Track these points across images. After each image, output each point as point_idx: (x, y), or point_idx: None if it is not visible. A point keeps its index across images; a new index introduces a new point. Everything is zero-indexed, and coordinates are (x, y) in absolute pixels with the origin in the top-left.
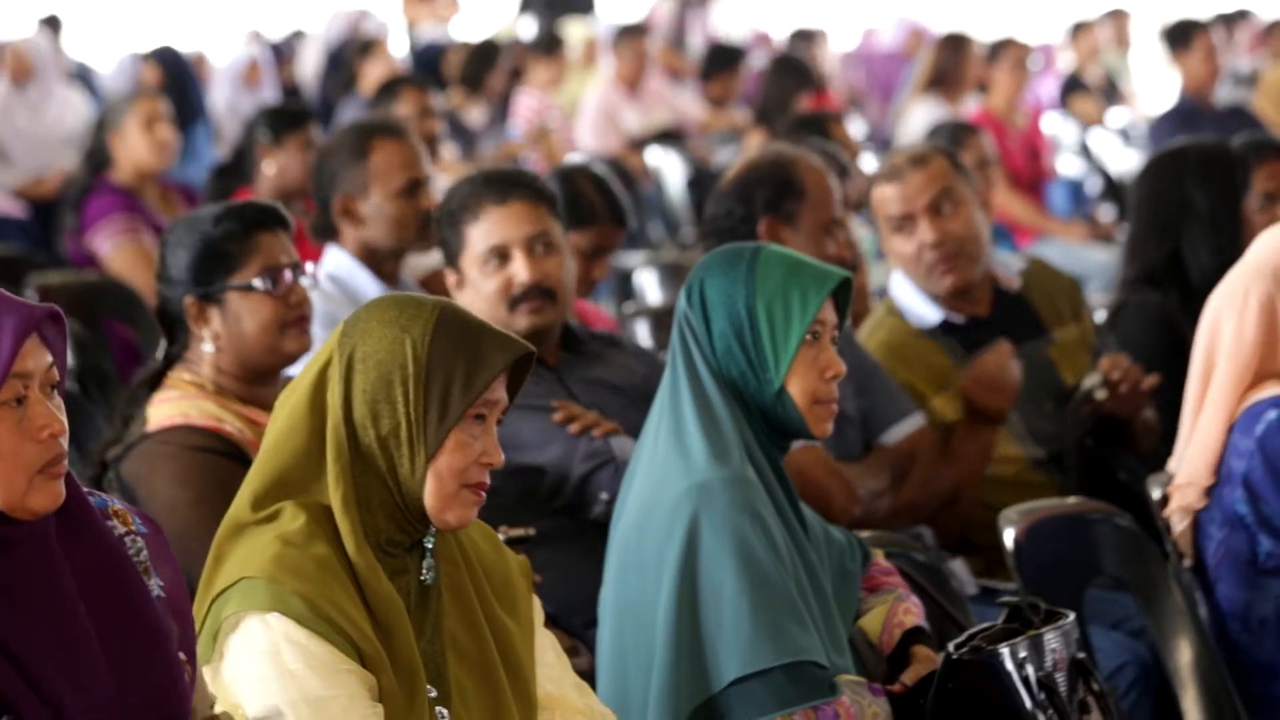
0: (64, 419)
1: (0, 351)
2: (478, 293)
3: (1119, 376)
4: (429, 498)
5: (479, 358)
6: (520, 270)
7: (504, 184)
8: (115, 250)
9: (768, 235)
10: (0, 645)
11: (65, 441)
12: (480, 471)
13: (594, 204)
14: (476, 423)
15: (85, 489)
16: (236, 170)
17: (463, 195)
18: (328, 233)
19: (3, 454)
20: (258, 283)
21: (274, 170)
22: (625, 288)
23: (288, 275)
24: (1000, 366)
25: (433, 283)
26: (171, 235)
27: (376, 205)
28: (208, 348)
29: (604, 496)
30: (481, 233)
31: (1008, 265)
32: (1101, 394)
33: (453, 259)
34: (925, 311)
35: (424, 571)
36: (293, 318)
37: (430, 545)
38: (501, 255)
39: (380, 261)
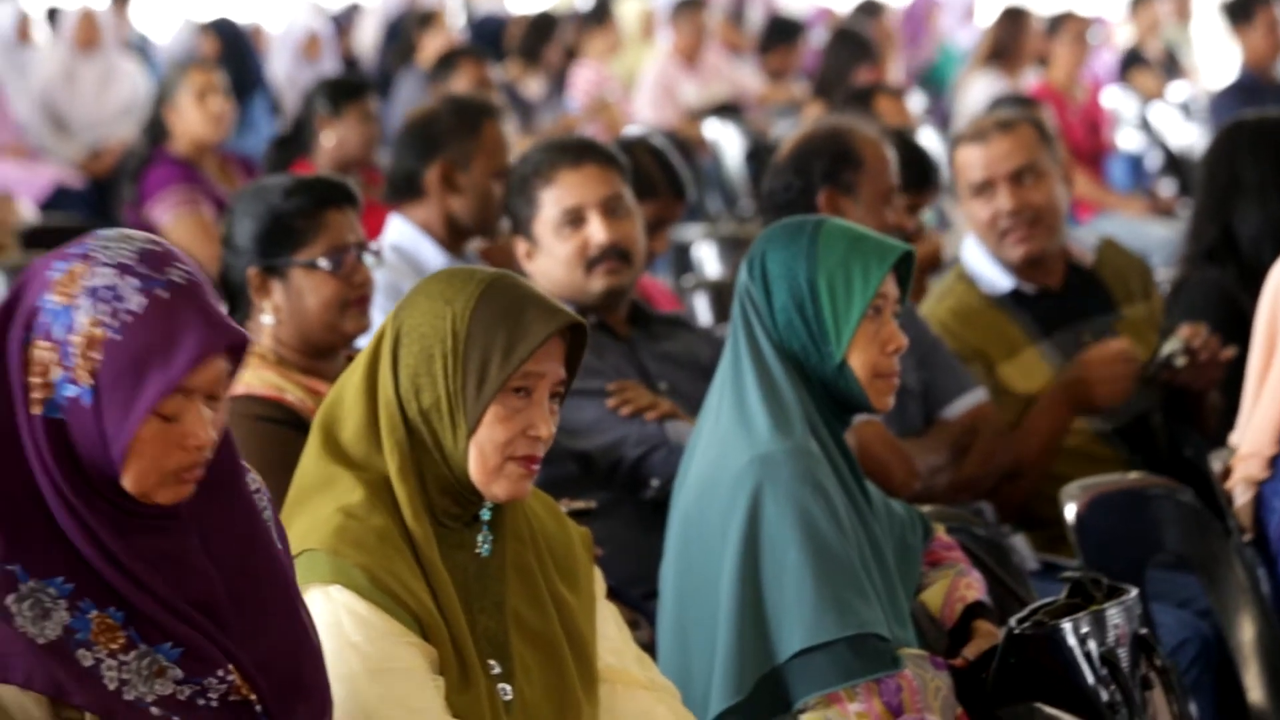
0: (213, 433)
1: (172, 367)
2: (551, 257)
3: (1199, 344)
4: (473, 471)
5: (520, 329)
6: (597, 232)
7: (576, 149)
8: (174, 222)
9: (827, 206)
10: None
11: (209, 451)
12: (528, 444)
13: (653, 177)
14: (520, 395)
15: None
16: (295, 141)
17: (535, 160)
18: (405, 193)
19: (144, 455)
20: (323, 262)
21: (333, 142)
22: (683, 261)
23: (353, 255)
24: (1123, 358)
25: (492, 255)
26: (240, 203)
27: (475, 180)
28: (267, 320)
29: (655, 483)
30: (555, 196)
31: (1082, 241)
32: (1182, 360)
33: (524, 226)
34: (997, 279)
35: (479, 544)
36: (354, 298)
37: (486, 518)
38: (576, 218)
39: (453, 235)
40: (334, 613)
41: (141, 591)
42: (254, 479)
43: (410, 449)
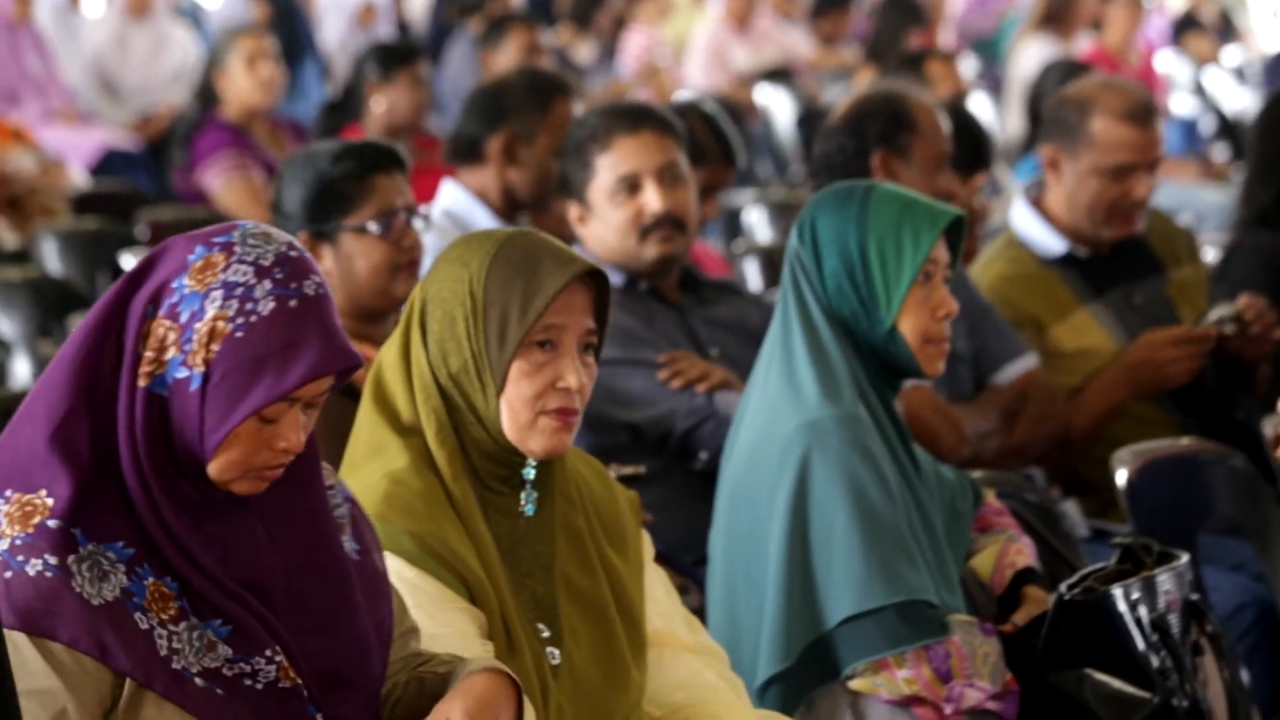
0: (303, 438)
1: (286, 378)
2: (605, 223)
3: (1253, 316)
4: (508, 429)
5: (535, 283)
6: (652, 200)
7: (634, 115)
8: (225, 186)
9: (881, 168)
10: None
11: (295, 454)
12: (558, 397)
13: (704, 143)
14: (544, 349)
15: None
16: (346, 107)
17: (592, 125)
18: (465, 157)
19: (235, 449)
20: (372, 226)
21: (383, 107)
22: (734, 226)
23: (402, 218)
24: (1187, 342)
25: (544, 224)
26: (288, 169)
27: (536, 155)
28: None
29: (703, 455)
30: (611, 163)
31: None
32: (1231, 328)
33: (578, 191)
34: (1049, 243)
35: (523, 503)
36: (404, 261)
37: (530, 477)
38: (632, 185)
39: (508, 204)
40: None
41: (195, 568)
42: (329, 474)
43: (447, 414)
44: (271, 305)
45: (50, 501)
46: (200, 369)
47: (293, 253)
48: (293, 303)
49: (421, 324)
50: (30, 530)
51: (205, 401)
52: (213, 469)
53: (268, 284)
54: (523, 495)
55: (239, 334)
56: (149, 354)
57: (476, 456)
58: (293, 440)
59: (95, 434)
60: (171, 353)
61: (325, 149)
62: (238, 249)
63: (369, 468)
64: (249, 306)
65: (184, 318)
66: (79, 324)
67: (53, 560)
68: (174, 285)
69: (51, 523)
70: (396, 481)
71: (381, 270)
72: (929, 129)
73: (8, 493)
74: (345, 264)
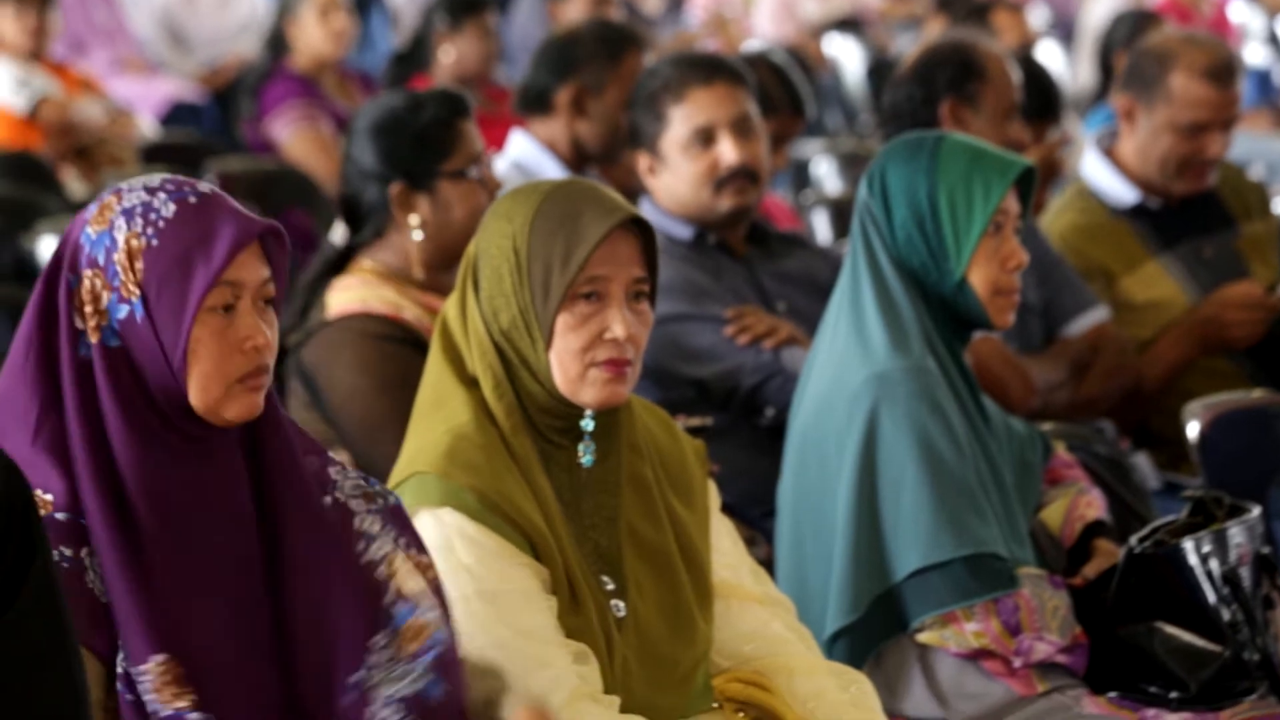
0: (273, 335)
1: (213, 257)
2: (677, 175)
3: None
4: (559, 381)
5: (576, 234)
6: (727, 152)
7: (707, 66)
8: (293, 137)
9: (950, 117)
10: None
11: (270, 357)
12: (607, 348)
13: (773, 94)
14: (590, 300)
15: (333, 458)
16: (414, 57)
17: (665, 76)
18: (534, 107)
19: (203, 357)
20: (472, 170)
21: (452, 57)
22: (802, 177)
23: (487, 163)
24: (1259, 302)
25: (612, 176)
26: (367, 121)
27: (605, 107)
28: (417, 235)
29: (770, 411)
30: (686, 114)
31: None
32: None
33: (649, 142)
34: (1121, 192)
35: (580, 454)
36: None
37: (589, 428)
38: (707, 137)
39: (577, 156)
40: (445, 535)
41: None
42: (328, 460)
43: (503, 368)
44: (173, 208)
45: (49, 497)
46: (136, 294)
47: (175, 175)
48: (192, 199)
49: (474, 279)
50: None
51: (154, 323)
52: (193, 395)
53: (162, 195)
54: (580, 447)
55: (154, 242)
56: (88, 309)
57: (534, 410)
58: (259, 337)
59: (83, 414)
60: (106, 297)
61: (401, 101)
62: (123, 188)
63: (432, 421)
64: (152, 217)
65: (101, 259)
66: (18, 331)
67: (67, 552)
68: (80, 241)
69: (59, 515)
70: (459, 436)
71: (476, 214)
72: (998, 78)
73: None
74: (442, 211)
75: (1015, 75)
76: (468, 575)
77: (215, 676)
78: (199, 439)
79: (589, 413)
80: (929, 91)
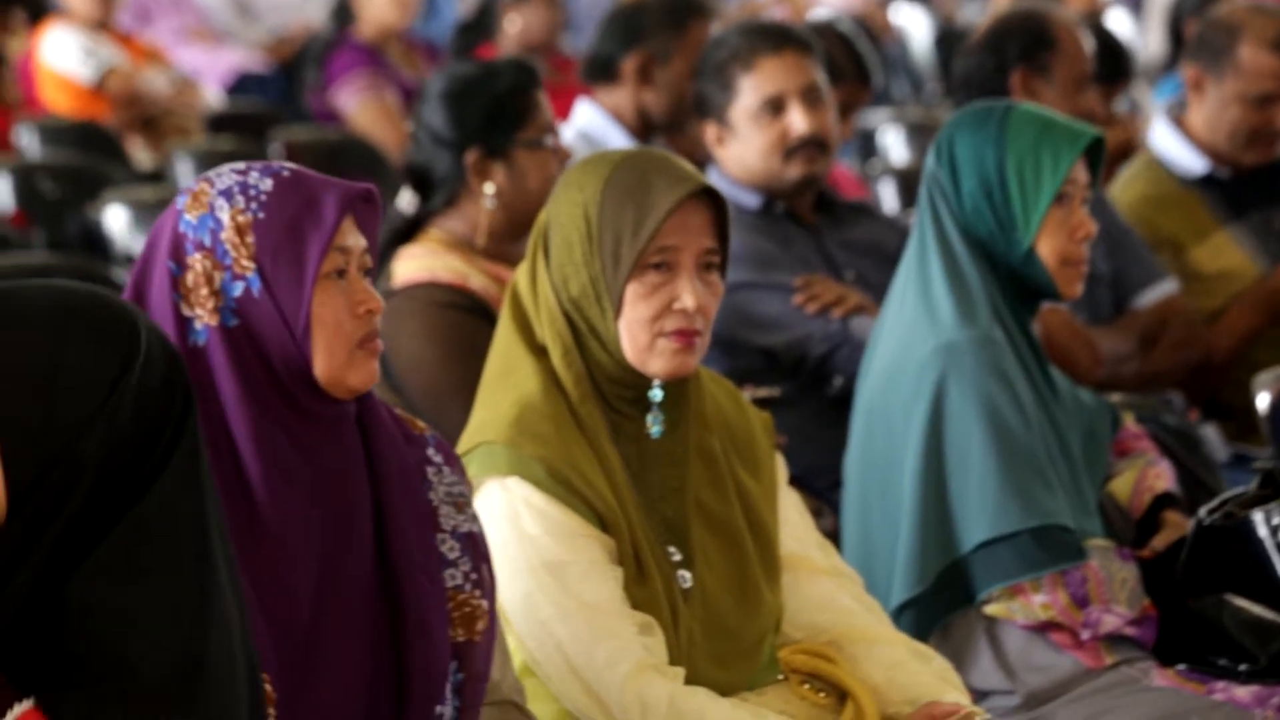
0: (379, 301)
1: (324, 222)
2: (746, 144)
3: None
4: (628, 351)
5: (647, 204)
6: (798, 121)
7: (777, 35)
8: (359, 106)
9: (1021, 86)
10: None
11: (377, 321)
12: (676, 319)
13: (840, 63)
14: (660, 270)
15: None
16: (480, 26)
17: (734, 45)
18: (600, 76)
19: (327, 323)
20: (548, 139)
21: (518, 26)
22: (869, 147)
23: (559, 131)
24: None
25: (679, 145)
26: (441, 89)
27: (671, 76)
28: (490, 203)
29: (838, 380)
30: (755, 83)
31: None
32: None
33: (718, 111)
34: (1190, 162)
35: (649, 425)
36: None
37: (657, 399)
38: (777, 106)
39: (643, 125)
40: (511, 505)
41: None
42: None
43: (573, 337)
44: (270, 182)
45: None
46: (251, 268)
47: (247, 163)
48: (285, 173)
49: (545, 248)
50: None
51: (274, 295)
52: (318, 363)
53: (254, 174)
54: (649, 417)
55: (261, 215)
56: (203, 292)
57: (602, 380)
58: (371, 300)
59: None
60: (219, 277)
61: (476, 68)
62: (211, 175)
63: (500, 390)
64: (253, 192)
65: (208, 240)
66: None
67: None
68: (181, 230)
69: None
70: (526, 406)
71: (549, 183)
72: (1070, 47)
73: None
74: (518, 179)
75: (1088, 44)
76: (534, 546)
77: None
78: (322, 419)
79: (657, 383)
80: (1000, 61)
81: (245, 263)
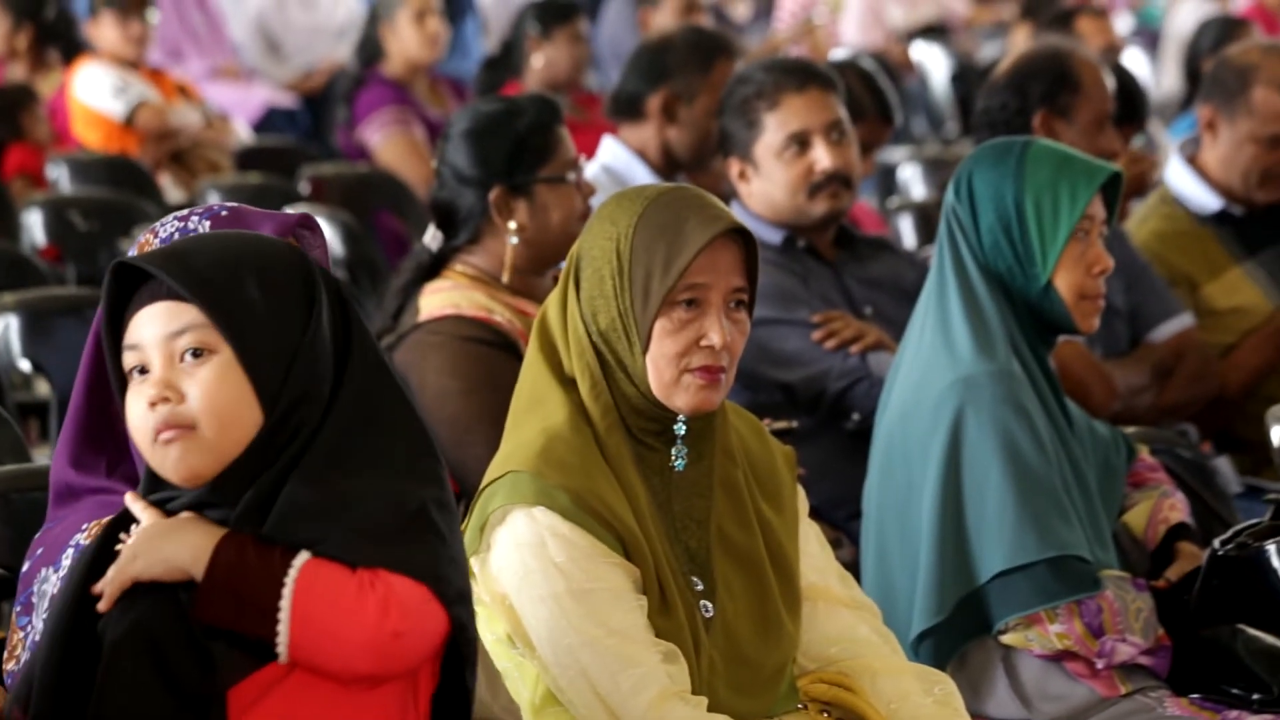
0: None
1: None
2: (770, 180)
3: None
4: (654, 386)
5: (678, 241)
6: (822, 158)
7: (801, 73)
8: (385, 142)
9: (1042, 128)
10: None
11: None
12: (702, 355)
13: (861, 100)
14: (688, 307)
15: None
16: (505, 63)
17: (759, 82)
18: (625, 113)
19: None
20: (570, 175)
21: (542, 63)
22: (889, 183)
23: (581, 167)
24: None
25: (701, 183)
26: (465, 128)
27: (696, 115)
28: (514, 239)
29: (856, 416)
30: (780, 120)
31: None
32: None
33: (742, 148)
34: (1205, 199)
35: (673, 458)
36: (585, 209)
37: (681, 433)
38: (802, 143)
39: (667, 163)
40: (538, 533)
41: None
42: None
43: (600, 370)
44: (208, 224)
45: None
46: None
47: (189, 209)
48: (223, 213)
49: (576, 279)
50: None
51: None
52: None
53: (194, 218)
54: (674, 450)
55: None
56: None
57: (628, 412)
58: None
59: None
60: None
61: (498, 107)
62: (155, 225)
63: (528, 420)
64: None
65: None
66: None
67: None
68: None
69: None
70: (553, 437)
71: (572, 218)
72: (1092, 88)
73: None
74: (541, 216)
75: (1109, 84)
76: (559, 573)
77: None
78: None
79: (682, 417)
80: (1023, 102)
81: None
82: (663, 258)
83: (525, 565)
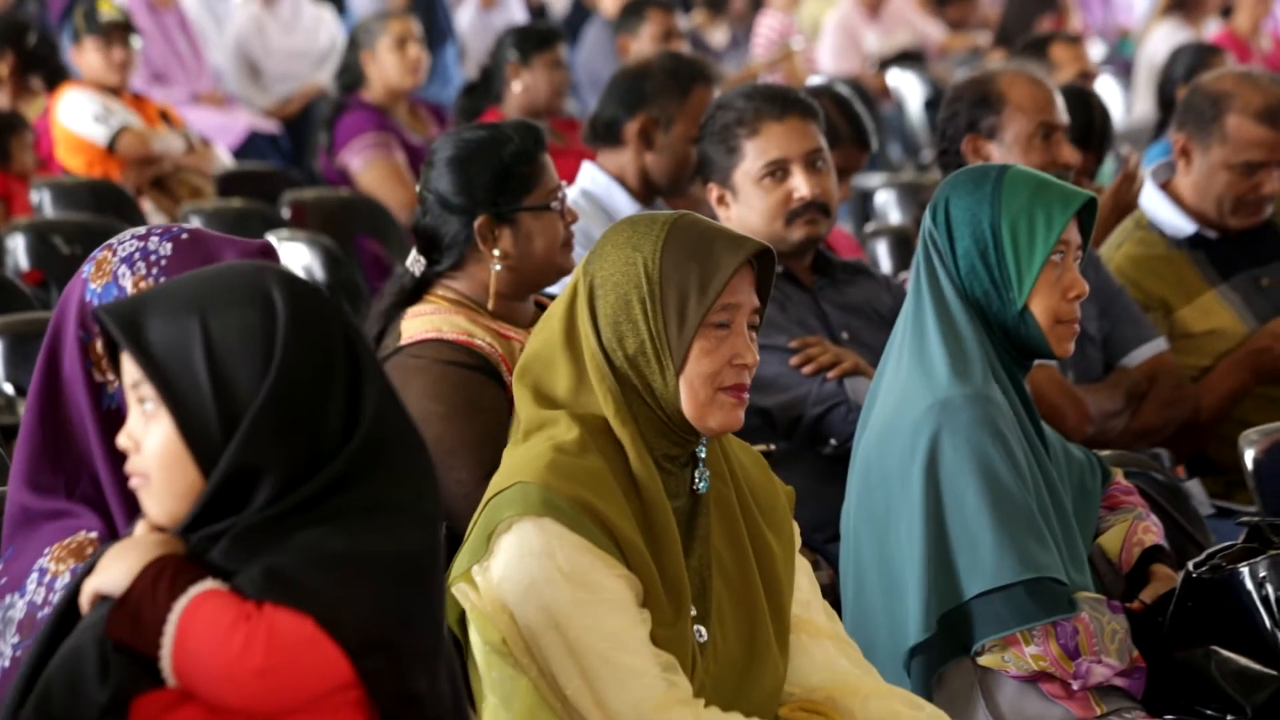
0: None
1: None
2: (749, 207)
3: None
4: (687, 407)
5: (711, 263)
6: (801, 185)
7: (781, 101)
8: (366, 167)
9: (972, 153)
10: None
11: None
12: (735, 373)
13: (838, 126)
14: (721, 328)
15: None
16: (485, 89)
17: (739, 109)
18: (603, 139)
19: None
20: (554, 203)
21: (521, 89)
22: (865, 208)
23: (563, 194)
24: None
25: (679, 206)
26: (449, 155)
27: (673, 141)
28: (498, 266)
29: (833, 441)
30: (760, 148)
31: None
32: None
33: (720, 174)
34: (1179, 224)
35: (696, 481)
36: (568, 236)
37: (703, 455)
38: (780, 170)
39: (645, 188)
40: (545, 543)
41: None
42: None
43: (622, 395)
44: (169, 246)
45: (94, 535)
46: None
47: (148, 226)
48: (184, 236)
49: (590, 307)
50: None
51: None
52: None
53: (154, 238)
54: (695, 473)
55: (162, 279)
56: (105, 361)
57: (651, 436)
58: None
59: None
60: None
61: (481, 134)
62: (114, 242)
63: (536, 438)
64: (153, 257)
65: None
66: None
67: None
68: (87, 299)
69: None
70: (562, 451)
71: (555, 245)
72: (1020, 104)
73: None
74: (525, 243)
75: (1043, 96)
76: (565, 582)
77: None
78: None
79: (704, 439)
80: (956, 130)
81: None
82: (697, 279)
83: (530, 574)
